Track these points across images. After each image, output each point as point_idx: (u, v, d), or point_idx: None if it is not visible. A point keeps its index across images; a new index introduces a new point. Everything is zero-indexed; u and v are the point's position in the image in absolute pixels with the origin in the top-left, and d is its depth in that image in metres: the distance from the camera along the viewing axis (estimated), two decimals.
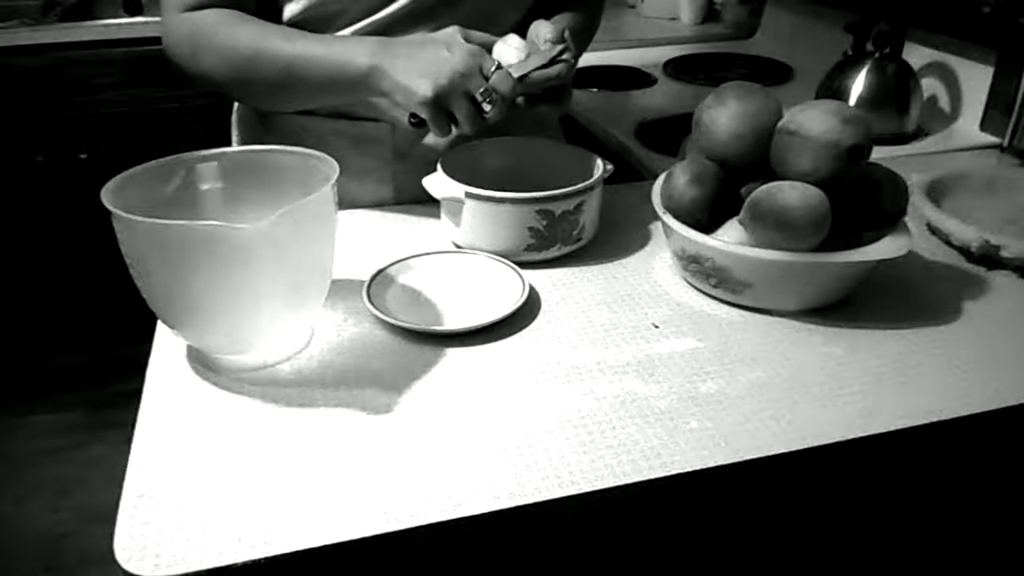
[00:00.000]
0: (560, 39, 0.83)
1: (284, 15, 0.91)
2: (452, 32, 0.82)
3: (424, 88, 0.79)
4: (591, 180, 0.85)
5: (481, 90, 0.79)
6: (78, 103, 1.97)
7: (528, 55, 0.82)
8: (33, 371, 2.18)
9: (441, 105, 0.80)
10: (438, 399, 0.67)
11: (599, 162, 0.90)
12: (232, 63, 0.86)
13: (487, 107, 0.80)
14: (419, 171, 0.90)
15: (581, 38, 0.99)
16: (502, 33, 0.85)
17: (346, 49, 0.84)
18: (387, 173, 1.00)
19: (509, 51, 0.82)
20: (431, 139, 0.97)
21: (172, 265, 0.62)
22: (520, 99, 0.83)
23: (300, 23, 0.90)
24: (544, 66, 0.82)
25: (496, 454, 0.61)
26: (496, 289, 0.81)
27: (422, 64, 0.80)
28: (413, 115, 0.85)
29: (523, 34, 0.87)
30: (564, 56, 0.83)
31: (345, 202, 0.99)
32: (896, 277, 0.84)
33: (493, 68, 0.80)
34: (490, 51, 0.83)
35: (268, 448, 0.62)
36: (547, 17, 0.96)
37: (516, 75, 0.80)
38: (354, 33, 0.91)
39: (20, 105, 1.93)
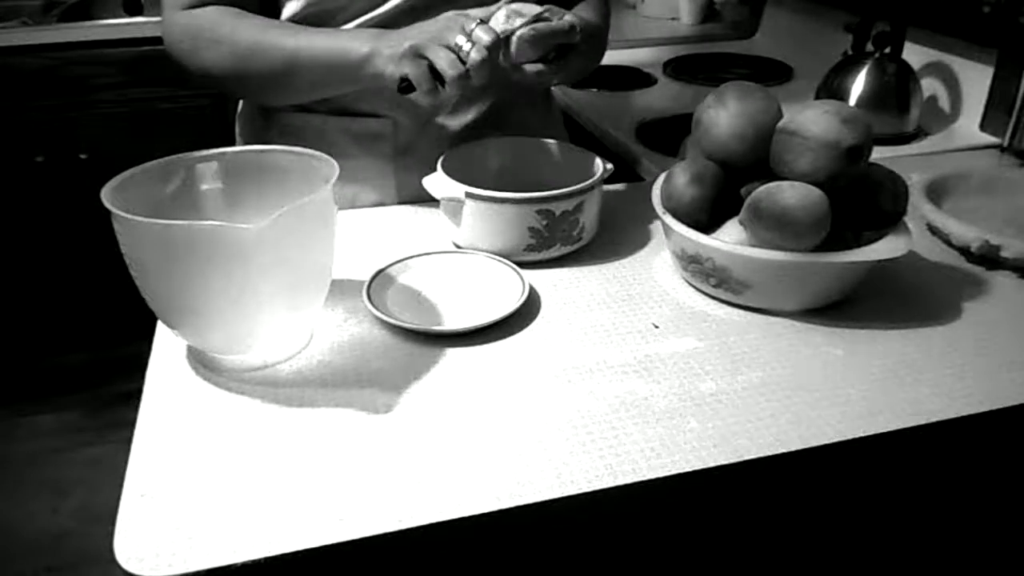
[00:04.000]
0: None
1: (284, 13, 0.92)
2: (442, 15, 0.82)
3: (405, 43, 0.80)
4: (591, 180, 0.85)
5: (460, 38, 0.78)
6: (78, 103, 1.97)
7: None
8: (33, 371, 2.18)
9: (420, 55, 0.79)
10: (438, 399, 0.67)
11: (599, 162, 0.90)
12: (234, 57, 0.87)
13: (468, 55, 0.77)
14: (420, 169, 0.90)
15: (591, 43, 0.94)
16: None
17: (346, 37, 0.85)
18: (389, 170, 1.00)
19: (499, 15, 0.82)
20: (422, 98, 0.88)
21: (172, 265, 0.62)
22: (505, 61, 0.83)
23: (300, 21, 0.91)
24: (529, 23, 0.81)
25: (496, 454, 0.61)
26: (496, 289, 0.81)
27: (408, 32, 0.82)
28: (402, 79, 0.82)
29: None
30: (546, 16, 0.82)
31: (347, 200, 1.00)
32: (896, 277, 0.84)
33: (474, 25, 0.79)
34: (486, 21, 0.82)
35: (268, 448, 0.62)
36: None
37: (499, 29, 0.80)
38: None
39: (20, 105, 1.93)
